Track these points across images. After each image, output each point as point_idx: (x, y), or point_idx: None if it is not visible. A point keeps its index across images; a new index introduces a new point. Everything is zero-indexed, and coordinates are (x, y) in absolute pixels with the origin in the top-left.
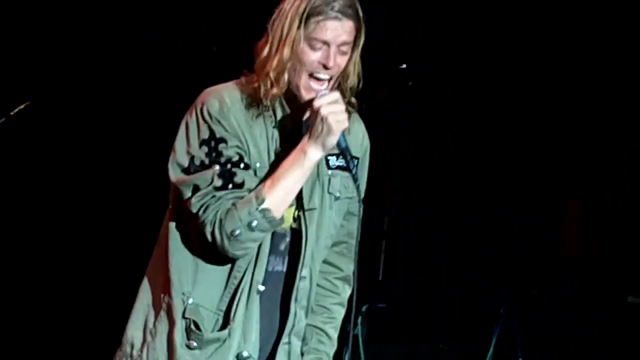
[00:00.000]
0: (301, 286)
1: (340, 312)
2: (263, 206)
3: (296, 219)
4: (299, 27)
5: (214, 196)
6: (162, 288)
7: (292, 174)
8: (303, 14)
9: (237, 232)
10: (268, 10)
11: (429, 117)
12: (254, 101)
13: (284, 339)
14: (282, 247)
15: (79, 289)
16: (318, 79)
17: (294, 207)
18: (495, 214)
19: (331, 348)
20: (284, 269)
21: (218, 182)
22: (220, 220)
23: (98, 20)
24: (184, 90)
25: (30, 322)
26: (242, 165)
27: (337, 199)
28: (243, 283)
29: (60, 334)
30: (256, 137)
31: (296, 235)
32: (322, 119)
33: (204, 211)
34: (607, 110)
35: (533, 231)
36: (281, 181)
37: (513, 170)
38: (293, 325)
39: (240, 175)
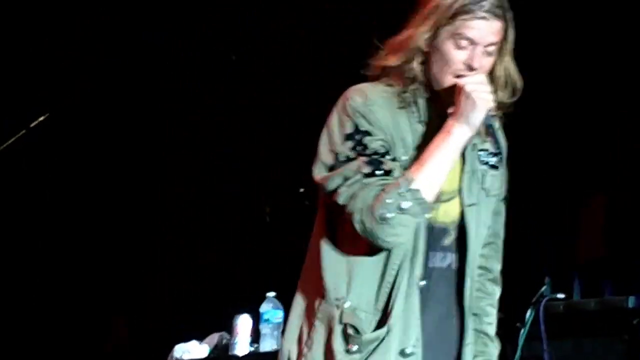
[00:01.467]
0: (468, 285)
1: (494, 314)
2: (412, 186)
3: (460, 214)
4: (445, 24)
5: (362, 183)
6: (315, 296)
7: (440, 154)
8: (452, 14)
9: (388, 215)
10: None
11: None
12: (397, 97)
13: (467, 340)
14: (446, 242)
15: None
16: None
17: (457, 201)
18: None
19: (496, 349)
20: (449, 266)
21: (366, 169)
22: (369, 206)
23: (98, 20)
24: (186, 92)
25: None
26: (388, 157)
27: (489, 195)
28: (399, 278)
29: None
30: (402, 131)
31: (461, 231)
32: (466, 95)
33: (351, 199)
34: (607, 110)
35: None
36: (429, 162)
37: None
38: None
39: (388, 164)
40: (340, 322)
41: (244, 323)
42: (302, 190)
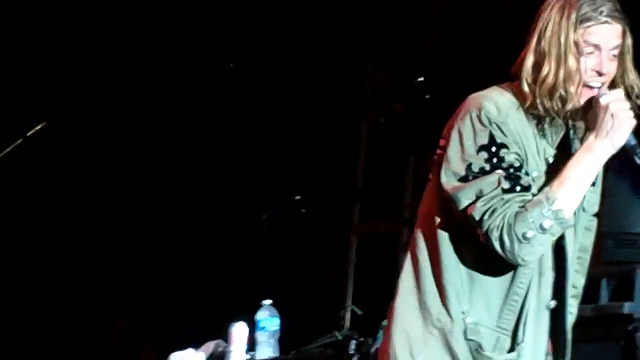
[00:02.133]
0: (567, 309)
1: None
2: (555, 207)
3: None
4: (574, 35)
5: (502, 199)
6: (430, 304)
7: (580, 172)
8: (575, 22)
9: (529, 234)
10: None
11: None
12: (524, 108)
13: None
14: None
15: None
16: (591, 87)
17: None
18: None
19: None
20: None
21: (506, 185)
22: (510, 224)
23: (98, 21)
24: (186, 94)
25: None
26: (523, 171)
27: (585, 212)
28: (528, 299)
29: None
30: (531, 144)
31: (558, 250)
32: (611, 115)
33: (490, 215)
34: None
35: None
36: (570, 181)
37: None
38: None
39: (525, 179)
40: (466, 337)
41: (239, 331)
42: (298, 197)
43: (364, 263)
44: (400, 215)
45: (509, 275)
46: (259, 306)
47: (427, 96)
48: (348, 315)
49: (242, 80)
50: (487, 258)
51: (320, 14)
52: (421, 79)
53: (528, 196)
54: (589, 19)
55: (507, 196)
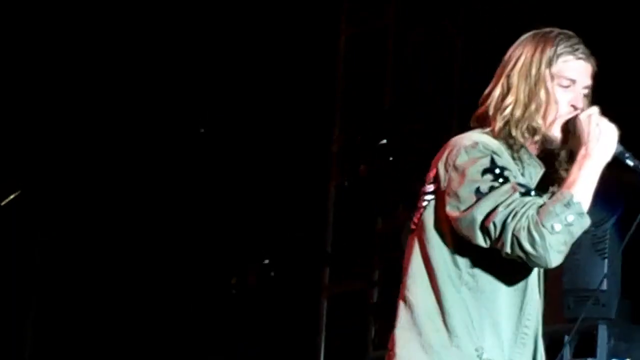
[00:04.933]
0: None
1: None
2: (575, 199)
3: None
4: (547, 69)
5: (521, 201)
6: (434, 340)
7: (586, 175)
8: (552, 57)
9: (557, 227)
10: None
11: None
12: (505, 145)
13: None
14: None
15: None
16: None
17: None
18: None
19: None
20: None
21: (521, 189)
22: (536, 221)
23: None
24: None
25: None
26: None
27: None
28: (537, 332)
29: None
30: (521, 180)
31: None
32: (596, 124)
33: (513, 218)
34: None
35: None
36: (579, 181)
37: None
38: None
39: (535, 191)
40: None
41: None
42: (267, 261)
43: (334, 324)
44: (368, 277)
45: (517, 309)
46: None
47: (391, 158)
48: None
49: (210, 144)
50: (495, 289)
51: (286, 74)
52: (384, 141)
53: (543, 200)
54: (567, 54)
55: (525, 199)
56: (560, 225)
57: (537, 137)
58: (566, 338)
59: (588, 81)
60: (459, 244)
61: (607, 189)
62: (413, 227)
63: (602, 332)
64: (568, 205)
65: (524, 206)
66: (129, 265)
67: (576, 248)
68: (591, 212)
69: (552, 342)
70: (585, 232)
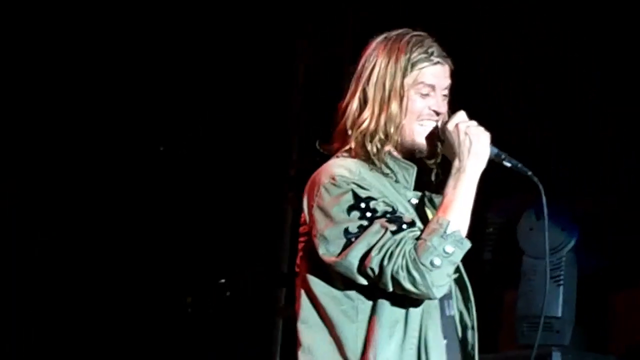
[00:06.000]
0: (475, 335)
1: None
2: (450, 229)
3: None
4: (402, 79)
5: (394, 240)
6: None
7: (462, 195)
8: (406, 66)
9: (437, 261)
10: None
11: None
12: (369, 164)
13: None
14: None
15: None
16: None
17: None
18: None
19: None
20: (453, 316)
21: (392, 227)
22: (414, 259)
23: None
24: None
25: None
26: (399, 213)
27: None
28: (422, 338)
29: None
30: (394, 193)
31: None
32: (464, 133)
33: (389, 259)
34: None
35: None
36: (455, 204)
37: None
38: None
39: (406, 217)
40: None
41: None
42: (223, 280)
43: (290, 345)
44: None
45: (400, 323)
46: None
47: None
48: None
49: (169, 163)
50: (383, 309)
51: (244, 97)
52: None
53: (417, 231)
54: (422, 61)
55: (398, 236)
56: (439, 260)
57: (388, 148)
58: None
59: (446, 82)
60: (343, 278)
61: (562, 216)
62: (297, 270)
63: (556, 359)
64: (444, 236)
65: (398, 244)
66: (88, 287)
67: (532, 274)
68: (547, 239)
69: None
70: (540, 259)
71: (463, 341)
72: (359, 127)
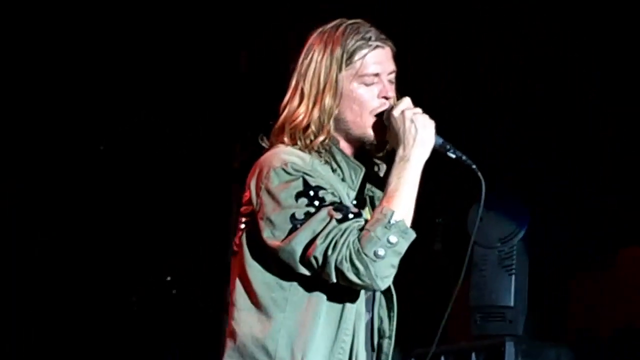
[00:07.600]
0: (390, 343)
1: None
2: (394, 219)
3: None
4: (340, 70)
5: (339, 229)
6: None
7: (406, 183)
8: (342, 57)
9: (380, 251)
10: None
11: None
12: (316, 156)
13: None
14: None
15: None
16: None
17: None
18: None
19: None
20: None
21: (338, 215)
22: (357, 249)
23: None
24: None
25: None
26: (347, 204)
27: None
28: (356, 337)
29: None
30: (341, 190)
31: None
32: (410, 120)
33: (334, 249)
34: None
35: None
36: (399, 192)
37: None
38: None
39: (352, 208)
40: None
41: None
42: (169, 278)
43: None
44: None
45: (337, 317)
46: None
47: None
48: None
49: (111, 160)
50: (318, 301)
51: (188, 91)
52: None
53: (362, 221)
54: (360, 48)
55: (344, 225)
56: (383, 250)
57: (319, 139)
58: (473, 356)
59: (391, 66)
60: (279, 265)
61: (512, 206)
62: (235, 249)
63: (510, 349)
64: (389, 226)
65: (343, 234)
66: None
67: (483, 264)
68: (498, 228)
69: (459, 359)
70: (492, 248)
71: (377, 349)
72: (293, 122)
